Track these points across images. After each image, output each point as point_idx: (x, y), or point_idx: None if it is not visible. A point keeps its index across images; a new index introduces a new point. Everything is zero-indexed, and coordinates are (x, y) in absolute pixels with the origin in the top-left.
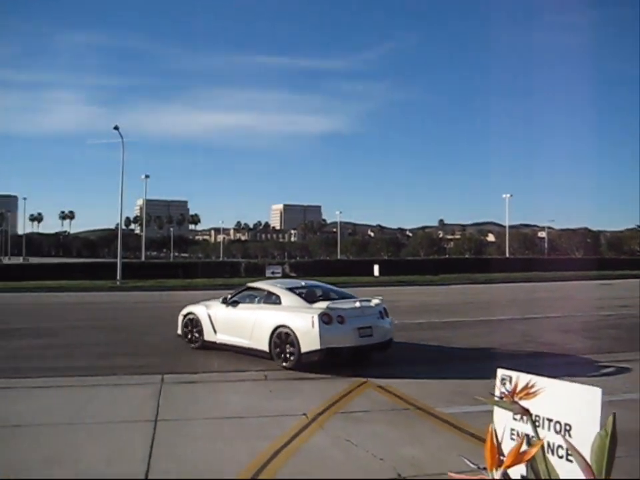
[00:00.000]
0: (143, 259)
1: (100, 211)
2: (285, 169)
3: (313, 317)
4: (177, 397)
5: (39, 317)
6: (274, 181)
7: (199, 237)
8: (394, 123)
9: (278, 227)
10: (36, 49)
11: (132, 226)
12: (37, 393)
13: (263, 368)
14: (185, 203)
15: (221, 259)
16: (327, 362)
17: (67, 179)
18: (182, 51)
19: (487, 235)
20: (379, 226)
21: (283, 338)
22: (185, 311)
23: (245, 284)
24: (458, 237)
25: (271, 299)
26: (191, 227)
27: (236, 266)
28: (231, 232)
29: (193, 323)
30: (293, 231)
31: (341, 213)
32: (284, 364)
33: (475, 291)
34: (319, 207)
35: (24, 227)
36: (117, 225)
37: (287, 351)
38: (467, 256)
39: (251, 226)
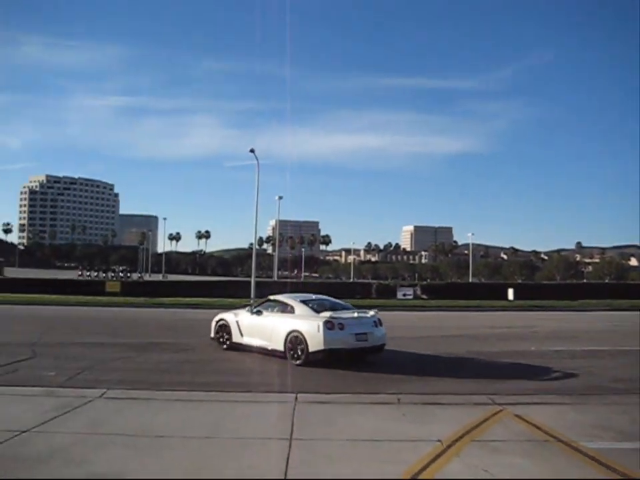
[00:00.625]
0: (275, 278)
1: (234, 231)
2: (416, 190)
3: (318, 324)
4: (310, 416)
5: (177, 331)
6: (404, 202)
7: (330, 258)
8: (526, 142)
9: (408, 248)
10: (177, 77)
11: (264, 246)
12: (177, 406)
13: (395, 391)
14: (317, 223)
15: (351, 279)
16: (330, 360)
17: (204, 200)
18: (315, 75)
19: (629, 259)
20: (512, 248)
21: (295, 340)
22: (217, 318)
23: (376, 305)
24: (597, 260)
25: (287, 309)
26: (322, 247)
27: (367, 287)
28: (361, 253)
29: (223, 328)
30: (423, 253)
31: (472, 234)
32: (296, 362)
33: (617, 318)
34: (450, 229)
35: (164, 245)
36: (251, 244)
37: (298, 350)
38: (607, 281)
39: (381, 247)
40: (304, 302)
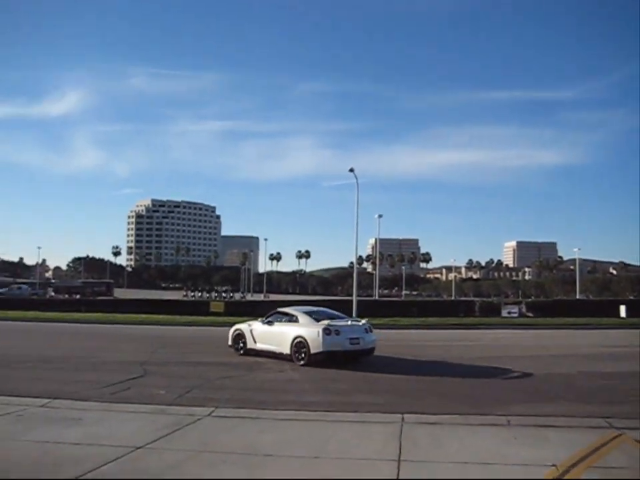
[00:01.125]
0: (375, 296)
1: (333, 250)
2: (517, 204)
3: (318, 330)
4: (418, 437)
5: None
6: (506, 218)
7: (430, 275)
8: (631, 152)
9: (511, 265)
10: (275, 100)
11: (364, 264)
12: (284, 425)
13: (504, 412)
14: (416, 241)
15: (452, 297)
16: (328, 361)
17: (303, 220)
18: (410, 92)
19: None
20: (622, 263)
21: (299, 344)
22: (233, 329)
23: (481, 324)
24: None
25: (292, 319)
26: (422, 265)
27: (470, 305)
28: (462, 270)
29: (239, 337)
30: (527, 269)
31: (579, 249)
32: (300, 362)
33: None
34: (554, 244)
35: (265, 265)
36: (351, 263)
37: (302, 352)
38: None
39: (483, 264)
40: (306, 313)
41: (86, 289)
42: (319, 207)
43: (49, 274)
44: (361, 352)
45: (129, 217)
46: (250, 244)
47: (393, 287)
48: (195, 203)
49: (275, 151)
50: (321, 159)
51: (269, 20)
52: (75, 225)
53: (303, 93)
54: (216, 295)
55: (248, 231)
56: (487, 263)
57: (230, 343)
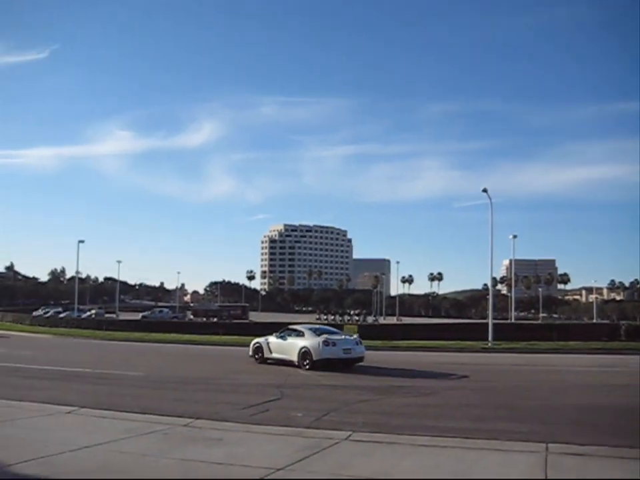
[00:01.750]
0: (511, 319)
1: (466, 272)
2: None
3: (319, 342)
4: (564, 469)
5: (414, 375)
6: None
7: (569, 297)
8: None
9: None
10: (403, 123)
11: (499, 286)
12: (422, 451)
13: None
14: (553, 261)
15: (594, 320)
16: (327, 366)
17: (435, 242)
18: (538, 109)
19: None
20: None
21: (304, 353)
22: (253, 342)
23: (627, 349)
24: None
25: (300, 334)
26: (560, 286)
27: (614, 328)
28: (604, 291)
29: (258, 349)
30: None
31: None
32: (305, 367)
33: None
34: None
35: (397, 288)
36: (484, 285)
37: (307, 359)
38: None
39: (627, 284)
40: (310, 329)
41: (222, 312)
42: (450, 229)
43: (187, 298)
44: (352, 359)
45: (262, 242)
46: (381, 267)
47: (529, 309)
48: (326, 227)
49: (404, 173)
50: (451, 180)
51: (394, 43)
52: (211, 250)
53: (431, 114)
54: (348, 318)
55: (379, 254)
56: (631, 283)
57: (250, 353)
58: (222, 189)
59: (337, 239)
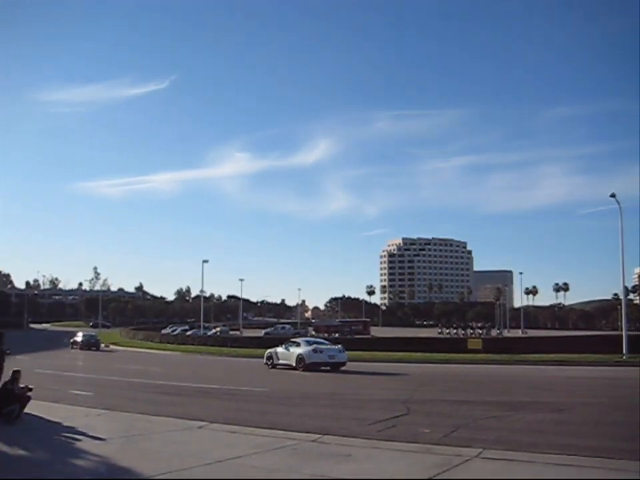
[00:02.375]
0: None
1: (594, 282)
2: None
3: (310, 350)
4: None
5: (543, 390)
6: None
7: None
8: None
9: None
10: (520, 130)
11: (630, 296)
12: (559, 471)
13: None
14: None
15: None
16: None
17: (558, 251)
18: None
19: None
20: None
21: (300, 359)
22: (267, 352)
23: None
24: None
25: (297, 344)
26: None
27: None
28: None
29: (269, 357)
30: None
31: None
32: (300, 370)
33: None
34: None
35: (520, 300)
36: (614, 295)
37: (301, 363)
38: None
39: None
40: (305, 341)
41: (344, 327)
42: (575, 236)
43: (308, 314)
44: (336, 363)
45: (381, 257)
46: (503, 278)
47: None
48: (445, 240)
49: (523, 182)
50: (574, 186)
51: (505, 52)
52: (330, 266)
53: (550, 119)
54: (471, 331)
55: (501, 265)
56: None
57: (264, 361)
58: (339, 205)
59: (456, 251)
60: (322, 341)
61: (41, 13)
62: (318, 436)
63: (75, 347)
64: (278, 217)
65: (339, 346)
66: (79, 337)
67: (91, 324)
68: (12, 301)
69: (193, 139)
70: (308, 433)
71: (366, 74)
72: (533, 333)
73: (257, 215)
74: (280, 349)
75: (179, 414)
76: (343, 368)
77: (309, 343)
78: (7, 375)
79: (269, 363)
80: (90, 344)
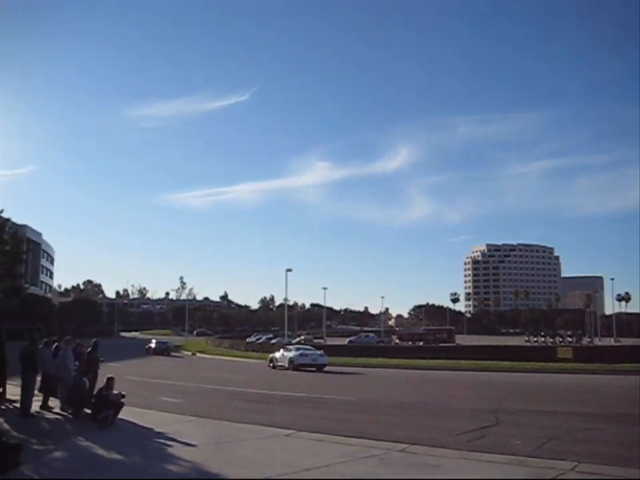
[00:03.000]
0: None
1: None
2: None
3: (298, 354)
4: None
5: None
6: None
7: None
8: None
9: None
10: (608, 130)
11: None
12: None
13: None
14: None
15: None
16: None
17: None
18: None
19: None
20: None
21: (290, 361)
22: (270, 355)
23: None
24: None
25: (290, 350)
26: None
27: None
28: None
29: (271, 360)
30: None
31: None
32: (290, 370)
33: None
34: None
35: (612, 307)
36: None
37: (292, 365)
38: None
39: None
40: (296, 347)
41: (428, 335)
42: None
43: (391, 322)
44: (318, 365)
45: (465, 264)
46: (593, 284)
47: None
48: (531, 245)
49: (613, 183)
50: None
51: (588, 50)
52: (413, 274)
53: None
54: (560, 339)
55: (590, 271)
56: None
57: (267, 363)
58: (421, 211)
59: (542, 257)
60: (309, 347)
61: (130, 35)
62: (405, 445)
63: (149, 352)
64: (359, 225)
65: (321, 351)
66: (152, 344)
67: (195, 332)
68: (103, 310)
69: (275, 149)
70: (395, 442)
71: (446, 79)
72: (626, 341)
73: (339, 223)
74: (278, 354)
75: (266, 421)
76: (432, 377)
77: (297, 349)
78: (101, 381)
79: (271, 365)
80: (162, 350)
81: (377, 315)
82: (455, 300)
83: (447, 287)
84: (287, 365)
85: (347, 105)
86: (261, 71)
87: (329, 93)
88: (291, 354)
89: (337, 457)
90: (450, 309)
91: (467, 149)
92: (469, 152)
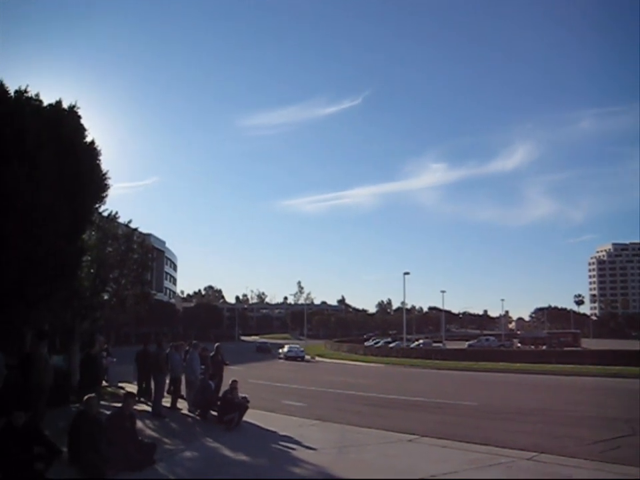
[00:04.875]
0: None
1: None
2: None
3: (287, 349)
4: None
5: None
6: None
7: None
8: None
9: None
10: None
11: None
12: None
13: None
14: None
15: None
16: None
17: None
18: None
19: None
20: None
21: (285, 354)
22: (280, 349)
23: None
24: None
25: (283, 347)
26: None
27: None
28: None
29: (283, 352)
30: None
31: None
32: (284, 360)
33: None
34: None
35: None
36: None
37: (286, 356)
38: None
39: None
40: (289, 345)
41: (552, 339)
42: None
43: (511, 325)
44: (300, 358)
45: (589, 264)
46: None
47: None
48: None
49: None
50: None
51: None
52: (534, 275)
53: None
54: None
55: None
56: None
57: (280, 355)
58: (540, 211)
59: None
60: (296, 345)
61: (241, 47)
62: (534, 454)
63: (281, 357)
64: (476, 227)
65: (303, 348)
66: (285, 349)
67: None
68: (224, 315)
69: (389, 151)
70: (522, 450)
71: (564, 72)
72: None
73: (455, 225)
74: (280, 350)
75: (388, 426)
76: (557, 382)
77: (289, 346)
78: (226, 384)
79: (280, 356)
80: (295, 356)
81: (497, 318)
82: (579, 302)
83: (570, 288)
84: (283, 357)
85: (461, 105)
86: (373, 75)
87: (441, 93)
88: (285, 349)
89: (462, 463)
90: (574, 312)
91: (589, 144)
92: (592, 147)
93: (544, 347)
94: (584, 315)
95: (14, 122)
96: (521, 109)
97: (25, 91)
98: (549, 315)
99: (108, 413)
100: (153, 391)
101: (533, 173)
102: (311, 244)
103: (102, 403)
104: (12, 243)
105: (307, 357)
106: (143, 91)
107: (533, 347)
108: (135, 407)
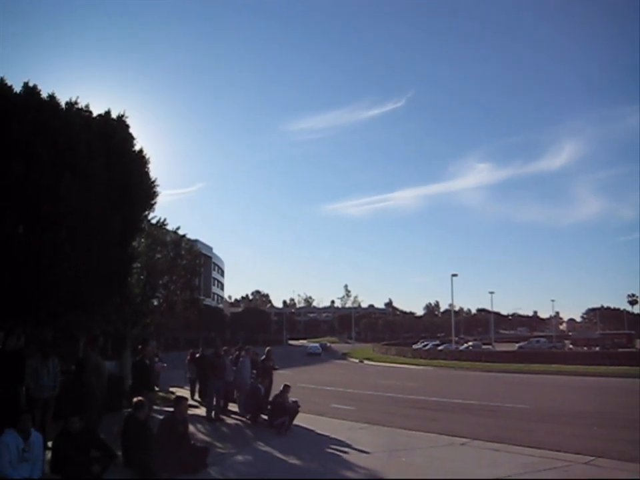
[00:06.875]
0: None
1: None
2: None
3: (309, 347)
4: None
5: None
6: None
7: None
8: None
9: None
10: None
11: None
12: None
13: None
14: None
15: None
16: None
17: None
18: None
19: None
20: None
21: (307, 350)
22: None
23: None
24: None
25: (306, 346)
26: None
27: None
28: None
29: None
30: None
31: None
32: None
33: None
34: None
35: None
36: None
37: (307, 353)
38: None
39: None
40: (311, 343)
41: (605, 340)
42: None
43: (562, 326)
44: (318, 354)
45: None
46: None
47: None
48: None
49: None
50: None
51: None
52: (584, 275)
53: None
54: None
55: None
56: None
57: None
58: (590, 209)
59: None
60: (316, 343)
61: (284, 51)
62: (590, 458)
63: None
64: (524, 226)
65: (320, 345)
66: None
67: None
68: (272, 319)
69: (432, 153)
70: (578, 454)
71: (607, 68)
72: None
73: (502, 226)
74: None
75: (438, 429)
76: (612, 384)
77: (311, 344)
78: (276, 388)
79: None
80: (314, 353)
81: (547, 319)
82: (633, 302)
83: (623, 288)
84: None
85: (506, 104)
86: (416, 76)
87: (485, 92)
88: (308, 346)
89: (516, 467)
90: (627, 312)
91: (636, 140)
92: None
93: (597, 349)
94: (638, 315)
95: (66, 134)
96: (566, 106)
97: (75, 102)
98: (601, 315)
99: (161, 417)
100: (206, 395)
101: (580, 171)
102: (357, 247)
103: (154, 407)
104: (65, 253)
105: (354, 361)
106: (189, 97)
107: (585, 348)
108: (188, 411)
